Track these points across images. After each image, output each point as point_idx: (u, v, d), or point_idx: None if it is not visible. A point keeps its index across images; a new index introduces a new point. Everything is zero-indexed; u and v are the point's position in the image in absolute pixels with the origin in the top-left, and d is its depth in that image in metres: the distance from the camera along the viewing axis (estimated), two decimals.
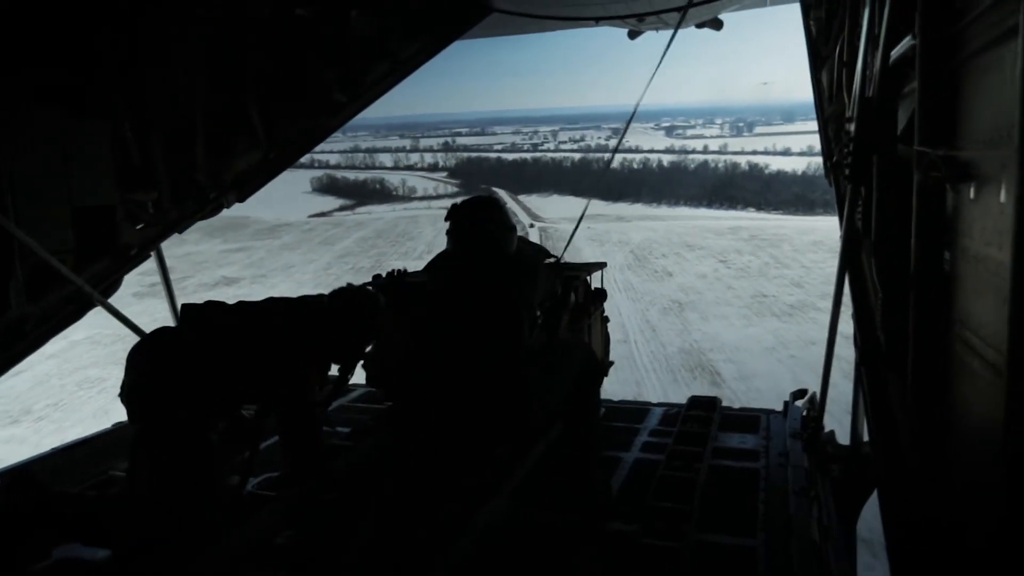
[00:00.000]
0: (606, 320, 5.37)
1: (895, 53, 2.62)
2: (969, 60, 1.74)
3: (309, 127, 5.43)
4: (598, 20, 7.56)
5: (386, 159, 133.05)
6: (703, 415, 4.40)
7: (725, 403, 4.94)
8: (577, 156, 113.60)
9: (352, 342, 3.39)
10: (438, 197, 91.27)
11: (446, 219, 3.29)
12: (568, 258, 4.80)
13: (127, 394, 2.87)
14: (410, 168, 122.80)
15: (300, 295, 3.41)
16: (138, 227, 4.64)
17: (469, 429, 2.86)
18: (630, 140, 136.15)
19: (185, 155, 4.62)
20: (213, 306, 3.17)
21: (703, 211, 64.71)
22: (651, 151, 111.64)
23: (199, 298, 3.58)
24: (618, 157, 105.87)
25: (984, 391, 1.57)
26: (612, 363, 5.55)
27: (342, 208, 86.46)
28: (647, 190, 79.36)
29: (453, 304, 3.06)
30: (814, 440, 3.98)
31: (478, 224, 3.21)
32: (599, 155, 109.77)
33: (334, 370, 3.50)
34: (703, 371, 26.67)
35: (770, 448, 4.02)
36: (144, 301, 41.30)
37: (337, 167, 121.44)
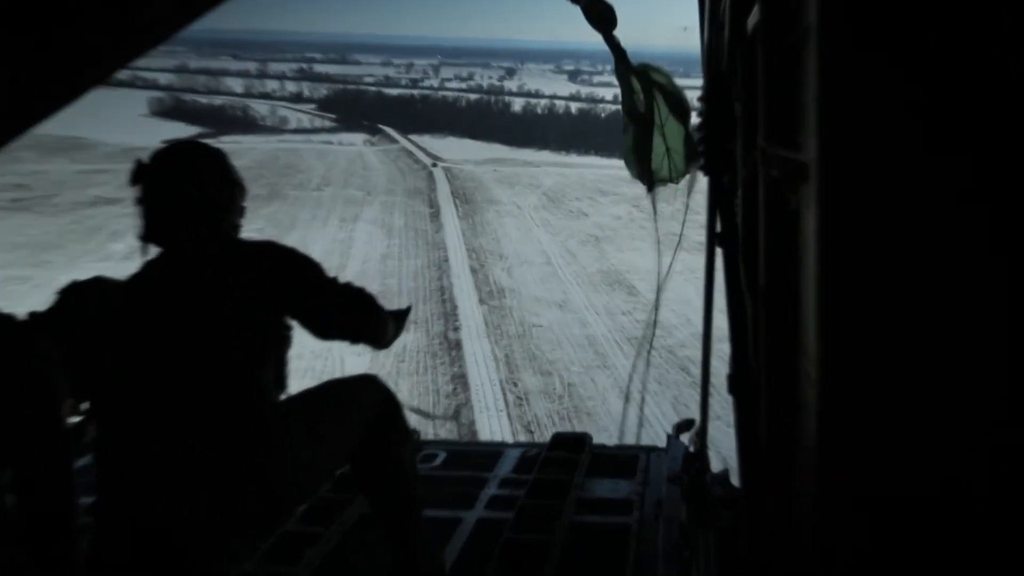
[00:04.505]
0: None
1: (751, 23, 2.40)
2: (806, 34, 1.56)
3: (53, 81, 4.14)
4: None
5: (234, 84, 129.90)
6: (567, 457, 4.16)
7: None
8: (473, 96, 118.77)
9: None
10: (316, 131, 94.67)
11: (132, 182, 2.38)
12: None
13: None
14: (266, 96, 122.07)
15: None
16: None
17: (191, 510, 2.20)
18: (530, 83, 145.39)
19: None
20: None
21: (616, 161, 73.95)
22: (554, 96, 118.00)
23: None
24: (519, 101, 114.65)
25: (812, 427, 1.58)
26: None
27: (201, 136, 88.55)
28: (554, 137, 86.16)
29: (152, 328, 2.32)
30: (696, 484, 3.87)
31: (179, 187, 2.36)
32: (496, 97, 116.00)
33: None
34: (620, 285, 35.90)
35: (646, 496, 3.84)
36: (15, 216, 45.66)
37: (171, 88, 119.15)
